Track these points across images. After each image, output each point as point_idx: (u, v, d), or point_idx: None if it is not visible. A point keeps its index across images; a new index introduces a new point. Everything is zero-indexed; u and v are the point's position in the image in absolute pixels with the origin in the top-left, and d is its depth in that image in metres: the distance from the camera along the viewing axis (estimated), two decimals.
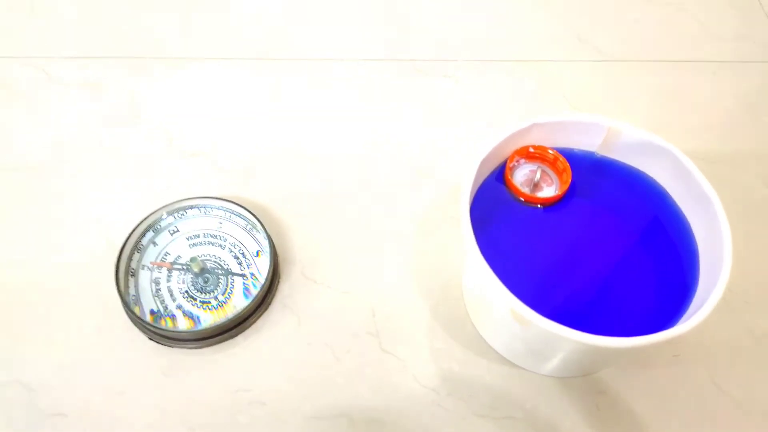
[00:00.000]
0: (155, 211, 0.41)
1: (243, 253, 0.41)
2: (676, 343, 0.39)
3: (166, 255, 0.41)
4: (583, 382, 0.38)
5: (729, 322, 0.40)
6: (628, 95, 0.52)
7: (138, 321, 0.38)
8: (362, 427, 0.36)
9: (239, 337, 0.39)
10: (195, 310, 0.39)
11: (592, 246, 0.35)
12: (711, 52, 0.55)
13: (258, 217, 0.41)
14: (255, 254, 0.41)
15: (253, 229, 0.42)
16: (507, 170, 0.37)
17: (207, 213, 0.42)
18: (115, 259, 0.39)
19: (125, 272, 0.39)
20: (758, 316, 0.40)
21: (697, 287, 0.34)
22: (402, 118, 0.50)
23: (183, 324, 0.38)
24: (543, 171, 0.37)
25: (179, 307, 0.39)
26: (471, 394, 0.37)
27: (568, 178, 0.36)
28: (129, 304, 0.38)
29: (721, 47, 0.55)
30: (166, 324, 0.38)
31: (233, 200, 0.42)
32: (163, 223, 0.41)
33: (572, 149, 0.38)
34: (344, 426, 0.36)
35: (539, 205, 0.36)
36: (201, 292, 0.40)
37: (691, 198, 0.35)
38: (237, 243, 0.42)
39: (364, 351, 0.38)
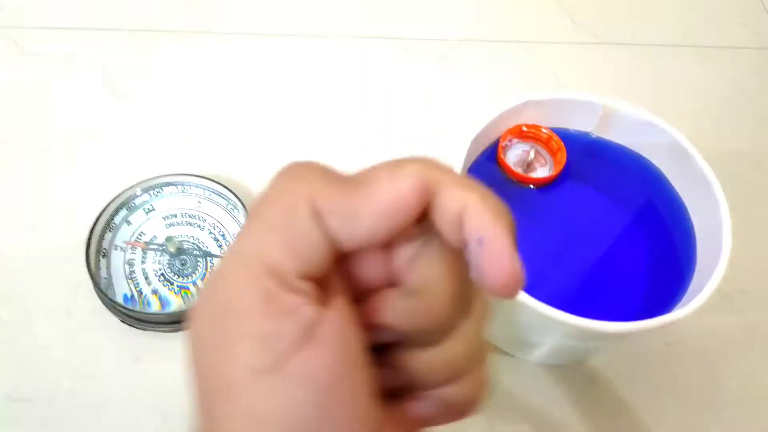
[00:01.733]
0: (129, 188, 0.39)
1: (223, 235, 0.39)
2: (669, 330, 0.38)
3: (140, 235, 0.39)
4: (574, 370, 0.37)
5: (723, 311, 0.39)
6: (621, 79, 0.50)
7: (109, 303, 0.36)
8: None
9: None
10: (171, 297, 0.37)
11: (585, 229, 0.34)
12: (707, 37, 0.54)
13: (239, 197, 0.39)
14: (234, 235, 0.39)
15: (234, 210, 0.40)
16: (499, 149, 0.35)
17: (185, 191, 0.40)
18: (85, 239, 0.37)
19: (96, 252, 0.37)
20: (752, 306, 0.39)
21: (693, 274, 0.33)
22: (391, 98, 0.48)
23: (157, 306, 0.36)
24: (536, 151, 0.36)
25: (155, 291, 0.37)
26: None
27: (562, 158, 0.35)
28: (100, 285, 0.36)
29: (717, 33, 0.54)
30: (140, 306, 0.36)
31: (213, 178, 0.40)
32: (137, 201, 0.39)
33: (567, 129, 0.37)
34: None
35: (532, 186, 0.35)
36: (178, 276, 0.38)
37: (689, 182, 0.34)
38: (217, 224, 0.40)
39: None
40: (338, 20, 0.52)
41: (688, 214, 0.34)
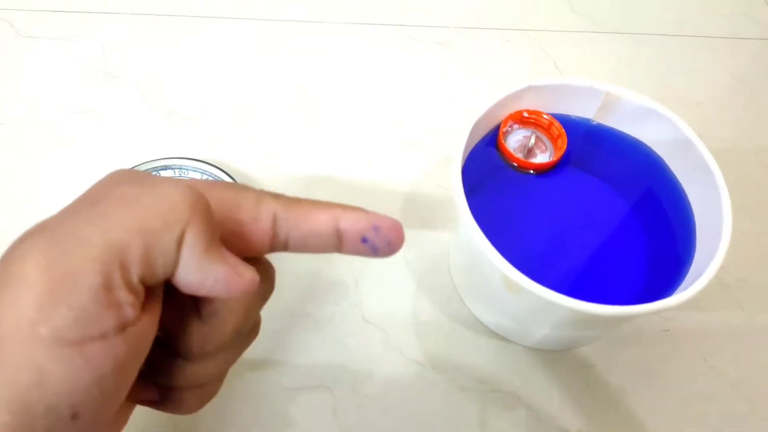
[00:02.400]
0: None
1: None
2: (666, 317, 0.38)
3: None
4: (571, 356, 0.37)
5: (720, 298, 0.39)
6: (621, 68, 0.50)
7: None
8: (344, 399, 0.34)
9: None
10: None
11: (585, 214, 0.34)
12: (707, 27, 0.54)
13: (237, 181, 0.39)
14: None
15: None
16: (500, 135, 0.35)
17: (182, 175, 0.40)
18: None
19: None
20: (750, 293, 0.39)
21: (692, 261, 0.33)
22: (391, 84, 0.48)
23: None
24: (537, 137, 0.36)
25: None
26: (457, 368, 0.36)
27: (563, 144, 0.35)
28: None
29: (718, 23, 0.54)
30: None
31: (211, 162, 0.40)
32: None
33: (568, 115, 0.36)
34: (325, 398, 0.34)
35: (532, 172, 0.35)
36: None
37: (690, 169, 0.34)
38: None
39: (346, 322, 0.37)
40: (339, 6, 0.52)
41: (688, 201, 0.34)
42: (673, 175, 0.35)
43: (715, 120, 0.47)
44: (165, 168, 0.40)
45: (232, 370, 0.35)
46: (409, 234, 0.40)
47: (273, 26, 0.50)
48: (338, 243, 0.21)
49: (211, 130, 0.44)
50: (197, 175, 0.40)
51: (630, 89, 0.34)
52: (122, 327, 0.17)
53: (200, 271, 0.18)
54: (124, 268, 0.17)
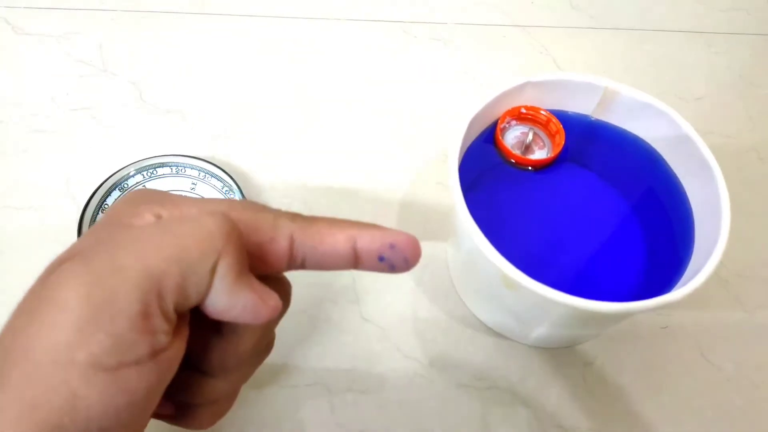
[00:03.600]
0: (122, 169, 0.38)
1: None
2: (665, 313, 0.38)
3: None
4: (569, 353, 0.36)
5: (720, 295, 0.39)
6: (620, 64, 0.50)
7: None
8: (340, 396, 0.34)
9: None
10: None
11: (583, 211, 0.34)
12: (705, 22, 0.53)
13: (235, 179, 0.39)
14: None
15: (230, 192, 0.39)
16: (498, 131, 0.35)
17: (179, 172, 0.40)
18: (77, 218, 0.36)
19: None
20: (749, 290, 0.39)
21: (690, 257, 0.33)
22: (389, 81, 0.47)
23: None
24: (535, 133, 0.35)
25: None
26: (455, 365, 0.36)
27: (561, 140, 0.35)
28: None
29: (715, 18, 0.54)
30: None
31: (208, 159, 0.40)
32: (130, 182, 0.39)
33: (566, 111, 0.36)
34: (321, 395, 0.34)
35: (530, 168, 0.35)
36: None
37: (689, 165, 0.34)
38: None
39: (343, 319, 0.37)
40: (337, 3, 0.52)
41: (686, 197, 0.34)
42: (672, 170, 0.35)
43: (713, 115, 0.47)
44: (162, 165, 0.40)
45: None
46: (408, 229, 0.40)
47: (271, 23, 0.50)
48: (355, 262, 0.21)
49: (208, 127, 0.44)
50: (194, 173, 0.40)
51: (628, 85, 0.34)
52: (156, 353, 0.17)
53: (230, 299, 0.18)
54: (160, 296, 0.17)
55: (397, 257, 0.21)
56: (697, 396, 0.36)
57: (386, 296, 0.38)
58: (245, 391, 0.34)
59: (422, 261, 0.38)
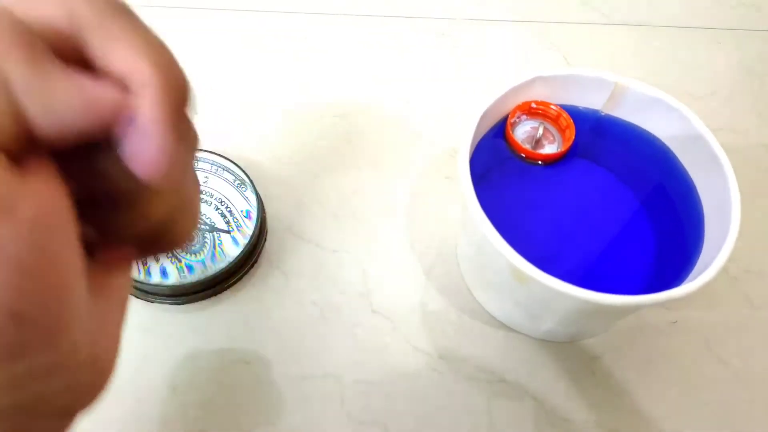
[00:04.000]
0: None
1: (230, 210, 0.39)
2: (673, 308, 0.38)
3: None
4: (577, 347, 0.37)
5: (728, 290, 0.39)
6: (629, 60, 0.50)
7: None
8: (350, 387, 0.35)
9: (223, 295, 0.37)
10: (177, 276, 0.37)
11: (594, 205, 0.34)
12: (715, 18, 0.53)
13: (247, 172, 0.39)
14: (242, 212, 0.39)
15: (242, 185, 0.40)
16: (508, 126, 0.35)
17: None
18: None
19: None
20: (758, 286, 0.39)
21: (700, 252, 0.33)
22: (397, 76, 0.48)
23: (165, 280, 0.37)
24: (545, 128, 0.36)
25: (162, 268, 0.37)
26: (464, 358, 0.36)
27: (571, 135, 0.35)
28: None
29: (725, 14, 0.54)
30: (147, 278, 0.36)
31: (220, 153, 0.40)
32: None
33: (576, 106, 0.36)
34: (331, 387, 0.35)
35: (540, 162, 0.35)
36: (186, 253, 0.37)
37: (699, 161, 0.34)
38: (224, 199, 0.40)
39: (353, 311, 0.37)
40: (346, 0, 0.52)
41: (696, 192, 0.34)
42: (682, 166, 0.35)
43: (723, 111, 0.47)
44: None
45: (241, 359, 0.35)
46: (418, 223, 0.40)
47: (283, 20, 0.50)
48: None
49: (220, 122, 0.44)
50: (207, 166, 0.40)
51: (639, 80, 0.34)
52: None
53: (41, 97, 0.13)
54: None
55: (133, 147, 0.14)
56: (704, 391, 0.36)
57: (396, 288, 0.38)
58: (257, 384, 0.35)
59: (433, 255, 0.39)
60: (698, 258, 0.32)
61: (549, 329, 0.35)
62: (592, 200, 0.35)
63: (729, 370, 0.36)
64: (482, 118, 0.33)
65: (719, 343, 0.37)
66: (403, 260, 0.39)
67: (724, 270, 0.40)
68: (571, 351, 0.36)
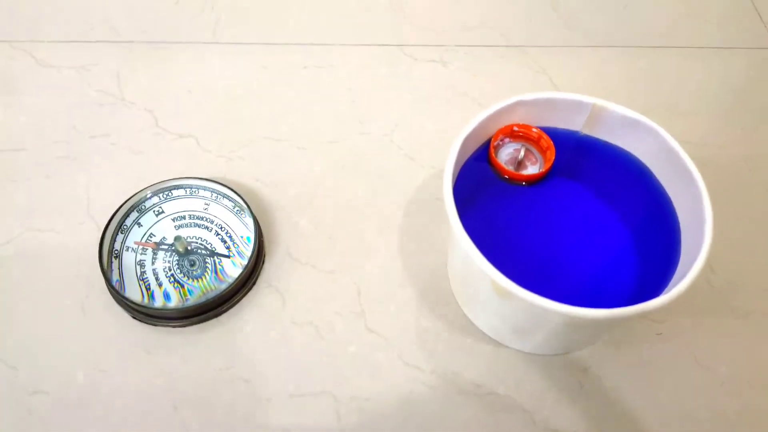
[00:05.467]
0: (140, 191, 0.41)
1: (230, 236, 0.41)
2: (658, 319, 0.39)
3: (151, 236, 0.41)
4: (566, 359, 0.38)
5: (712, 301, 0.40)
6: (615, 80, 0.52)
7: (121, 300, 0.38)
8: (346, 404, 0.36)
9: (223, 316, 0.39)
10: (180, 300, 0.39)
11: (576, 222, 0.36)
12: (698, 37, 0.55)
13: (245, 199, 0.41)
14: (242, 237, 0.41)
15: (240, 212, 0.42)
16: (491, 149, 0.37)
17: (193, 194, 0.42)
18: (98, 239, 0.39)
19: (109, 253, 0.39)
20: (741, 296, 0.40)
21: (678, 265, 0.34)
22: (390, 101, 0.50)
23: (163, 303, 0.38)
24: (527, 149, 0.37)
25: (165, 292, 0.38)
26: (455, 372, 0.37)
27: (552, 156, 0.36)
28: (112, 282, 0.38)
29: (708, 33, 0.55)
30: (146, 301, 0.38)
31: (220, 181, 0.42)
32: (147, 204, 0.41)
33: (556, 128, 0.38)
34: (328, 403, 0.36)
35: (524, 183, 0.37)
36: (187, 277, 0.39)
37: (674, 177, 0.35)
38: (224, 225, 0.41)
39: (348, 330, 0.38)
40: (340, 29, 0.54)
41: (673, 207, 0.35)
42: (659, 182, 0.36)
43: (705, 127, 0.49)
44: (177, 187, 0.42)
45: (240, 377, 0.36)
46: (410, 243, 0.42)
47: (278, 50, 0.52)
48: None
49: (220, 150, 0.46)
50: (207, 194, 0.42)
51: (617, 101, 0.36)
52: None
53: None
54: None
55: None
56: (691, 400, 0.37)
57: (390, 307, 0.39)
58: (255, 401, 0.36)
59: (425, 274, 0.41)
60: (675, 270, 0.33)
61: (536, 343, 0.36)
62: (574, 217, 0.36)
63: (716, 378, 0.37)
64: (466, 141, 0.35)
65: (705, 352, 0.38)
66: (396, 279, 0.41)
67: (708, 282, 0.41)
68: (559, 363, 0.38)
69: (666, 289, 0.32)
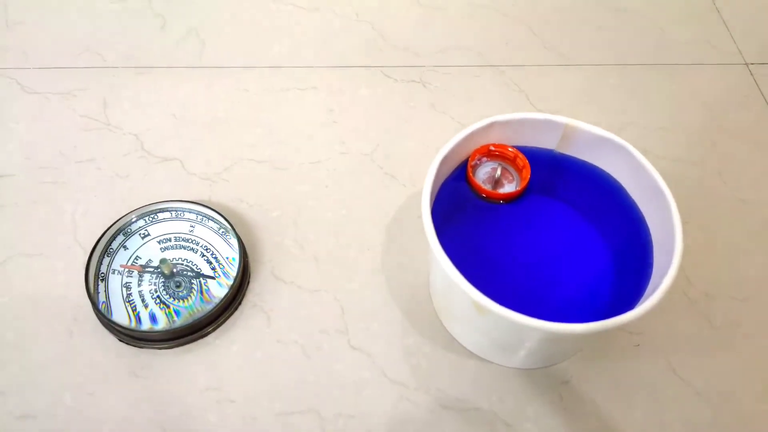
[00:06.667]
0: (125, 215, 0.42)
1: (215, 257, 0.42)
2: (635, 331, 0.40)
3: (137, 259, 0.41)
4: (547, 373, 0.39)
5: (689, 313, 0.41)
6: (588, 98, 0.53)
7: (108, 323, 0.38)
8: (331, 421, 0.36)
9: (209, 337, 0.39)
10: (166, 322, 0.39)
11: (552, 239, 0.37)
12: (670, 55, 0.57)
13: (230, 221, 0.42)
14: (227, 258, 0.41)
15: (225, 233, 0.42)
16: (469, 168, 0.38)
17: (178, 216, 0.43)
18: (84, 263, 0.39)
19: (95, 276, 0.40)
20: (717, 308, 0.41)
21: (650, 279, 0.35)
22: (371, 122, 0.51)
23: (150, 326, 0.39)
24: (503, 168, 0.38)
25: (152, 314, 0.39)
26: (439, 388, 0.38)
27: (527, 174, 0.38)
28: (98, 305, 0.38)
29: (678, 50, 0.57)
30: (134, 325, 0.38)
31: (205, 204, 0.43)
32: (133, 227, 0.42)
33: (532, 147, 0.39)
34: (314, 421, 0.36)
35: (501, 201, 0.38)
36: (173, 298, 0.40)
37: (645, 192, 0.36)
38: (209, 246, 0.42)
39: (333, 348, 0.39)
40: (321, 53, 0.55)
41: (645, 222, 0.37)
42: (631, 198, 0.37)
43: (679, 143, 0.50)
44: (162, 210, 0.43)
45: (226, 397, 0.37)
46: (393, 261, 0.43)
47: (259, 72, 0.53)
48: None
49: (204, 173, 0.47)
50: (192, 216, 0.43)
51: (593, 118, 0.37)
52: None
53: None
54: None
55: None
56: (668, 410, 0.38)
57: (374, 325, 0.40)
58: (242, 420, 0.36)
59: (408, 291, 0.41)
60: (649, 283, 0.34)
61: (517, 358, 0.37)
62: (551, 234, 0.37)
63: (692, 389, 0.38)
64: (443, 162, 0.36)
65: (682, 363, 0.39)
66: (379, 297, 0.41)
67: (685, 293, 0.42)
68: (540, 377, 0.38)
69: (640, 302, 0.33)
